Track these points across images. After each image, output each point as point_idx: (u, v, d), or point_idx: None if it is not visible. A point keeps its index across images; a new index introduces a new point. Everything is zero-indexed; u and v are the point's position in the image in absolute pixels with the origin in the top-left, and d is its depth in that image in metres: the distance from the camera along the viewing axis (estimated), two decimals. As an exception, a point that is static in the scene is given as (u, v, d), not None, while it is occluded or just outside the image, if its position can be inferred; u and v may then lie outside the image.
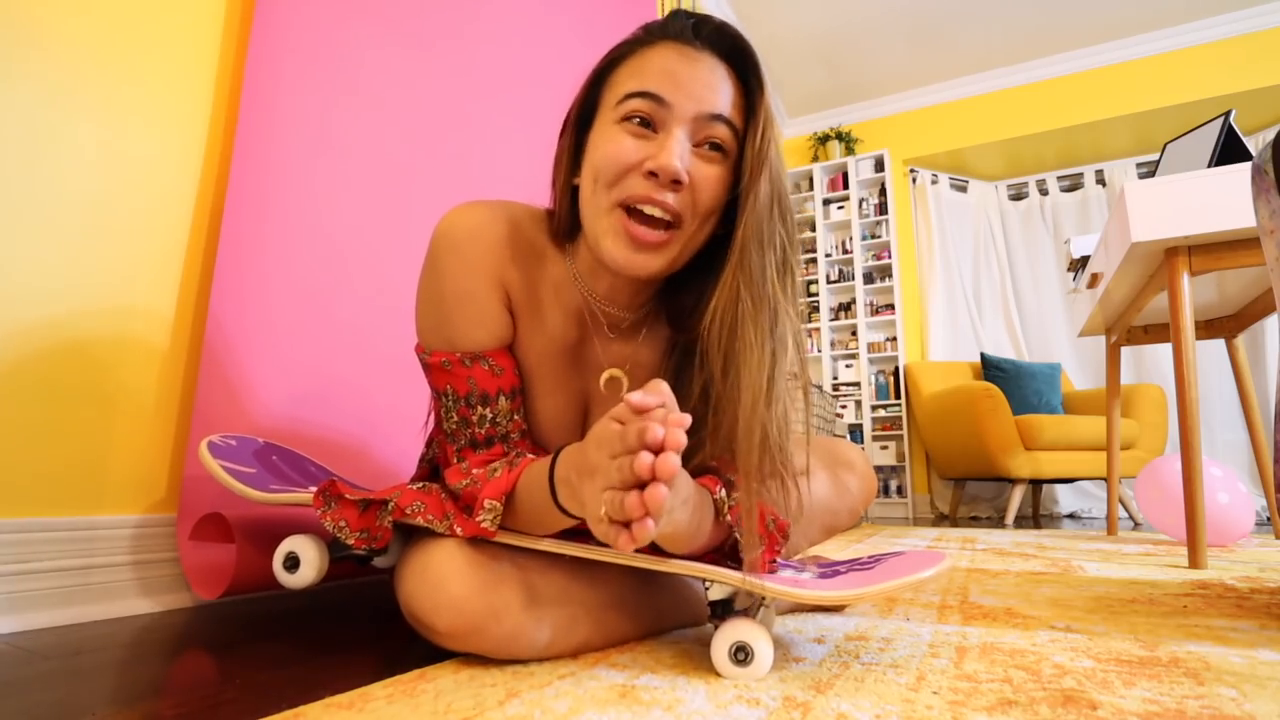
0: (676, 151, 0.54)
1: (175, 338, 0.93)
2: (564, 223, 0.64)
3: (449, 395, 0.62)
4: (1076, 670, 0.56)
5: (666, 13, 0.63)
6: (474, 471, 0.60)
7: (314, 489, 0.67)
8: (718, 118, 0.55)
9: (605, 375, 0.65)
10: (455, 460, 0.63)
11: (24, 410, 0.77)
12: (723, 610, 0.58)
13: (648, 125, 0.56)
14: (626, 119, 0.56)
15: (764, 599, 0.58)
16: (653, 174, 0.54)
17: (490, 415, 0.61)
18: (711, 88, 0.56)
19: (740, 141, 0.57)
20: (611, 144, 0.56)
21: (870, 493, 0.83)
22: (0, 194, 0.77)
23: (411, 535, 0.64)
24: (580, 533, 0.61)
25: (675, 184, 0.54)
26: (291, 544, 0.67)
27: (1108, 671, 0.55)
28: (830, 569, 0.67)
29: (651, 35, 0.59)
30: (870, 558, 0.68)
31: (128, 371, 0.88)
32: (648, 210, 0.55)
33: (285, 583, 0.66)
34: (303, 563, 0.66)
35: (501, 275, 0.62)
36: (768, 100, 0.57)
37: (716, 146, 0.56)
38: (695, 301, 0.61)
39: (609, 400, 0.66)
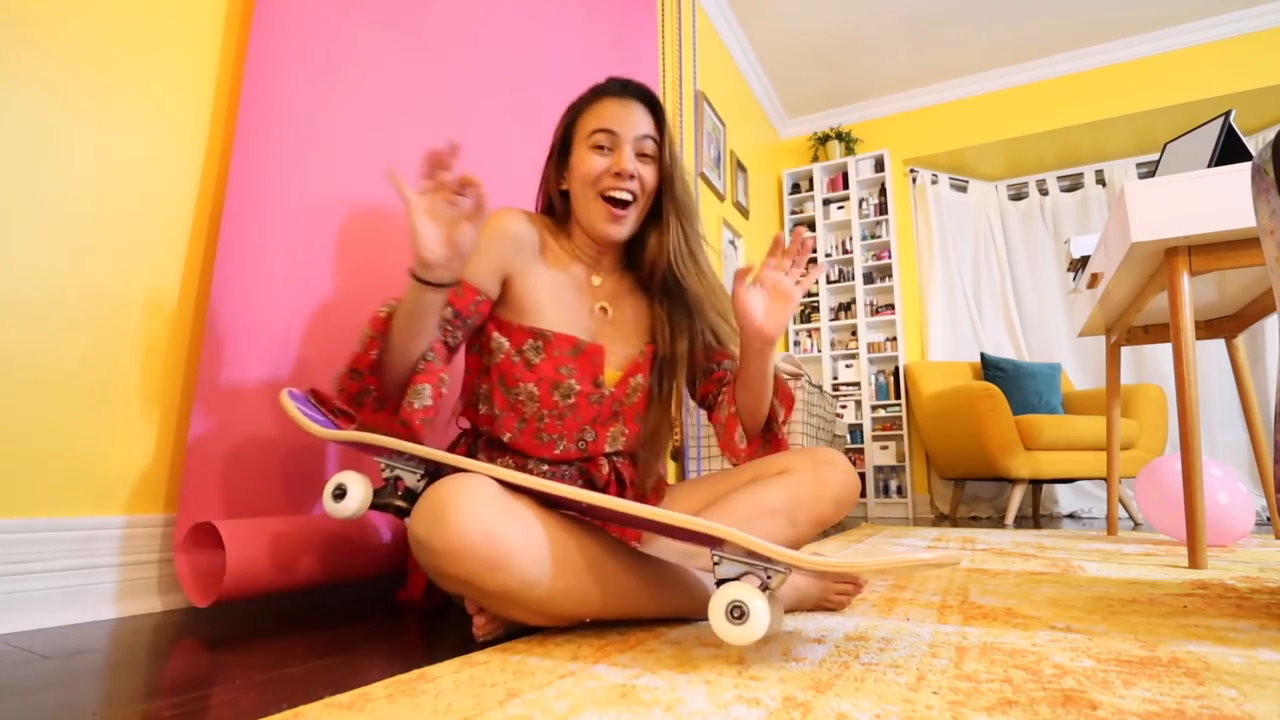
0: (628, 158, 0.92)
1: (175, 338, 0.93)
2: (561, 213, 1.01)
3: None
4: (1076, 670, 0.56)
5: (607, 78, 0.99)
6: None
7: (371, 431, 0.79)
8: (646, 136, 0.94)
9: (597, 305, 0.99)
10: None
11: (24, 410, 0.77)
12: None
13: (605, 148, 0.93)
14: (595, 147, 0.93)
15: (769, 579, 0.59)
16: (618, 174, 0.92)
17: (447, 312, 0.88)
18: (640, 120, 0.94)
19: (660, 148, 0.96)
20: (589, 162, 0.93)
21: (851, 487, 0.90)
22: None
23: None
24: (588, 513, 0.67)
25: (631, 178, 0.92)
26: (341, 477, 0.72)
27: (1108, 671, 0.55)
28: None
29: (601, 93, 0.96)
30: None
31: (127, 372, 0.88)
32: (618, 195, 0.92)
33: (331, 511, 0.71)
34: (349, 494, 0.71)
35: (507, 251, 0.92)
36: (669, 123, 0.98)
37: (648, 156, 0.95)
38: (641, 248, 1.00)
39: (602, 321, 0.99)
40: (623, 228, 0.94)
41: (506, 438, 0.92)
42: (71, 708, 0.47)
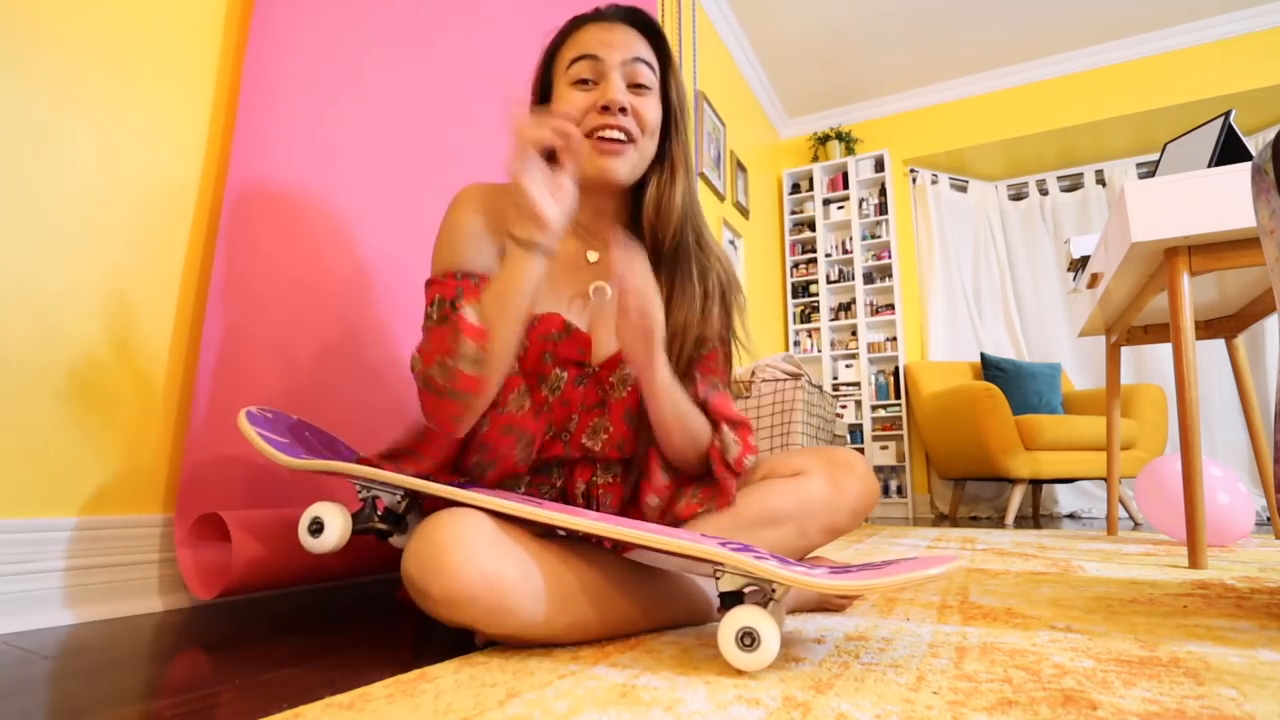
0: (616, 88, 0.75)
1: (174, 337, 0.93)
2: None
3: (436, 302, 0.73)
4: (1076, 670, 0.56)
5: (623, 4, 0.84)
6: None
7: (341, 460, 0.74)
8: (638, 59, 0.77)
9: (593, 286, 0.82)
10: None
11: (24, 410, 0.77)
12: (732, 602, 0.58)
13: (588, 80, 0.76)
14: (576, 82, 0.77)
15: (774, 592, 0.58)
16: (605, 108, 0.74)
17: None
18: (628, 42, 0.77)
19: (662, 78, 0.80)
20: (570, 99, 0.76)
21: (870, 495, 0.83)
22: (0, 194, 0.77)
23: (427, 514, 0.66)
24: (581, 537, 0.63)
25: (622, 111, 0.75)
26: (316, 509, 0.69)
27: (1108, 671, 0.55)
28: (841, 569, 0.68)
29: (579, 22, 0.80)
30: (883, 562, 0.68)
31: (127, 372, 0.88)
32: (608, 135, 0.75)
33: (309, 546, 0.68)
34: (327, 527, 0.68)
35: (493, 223, 0.77)
36: (670, 46, 0.81)
37: (644, 87, 0.78)
38: (644, 206, 0.81)
39: (598, 302, 0.82)
40: (620, 163, 0.76)
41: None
42: (71, 708, 0.47)
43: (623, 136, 0.75)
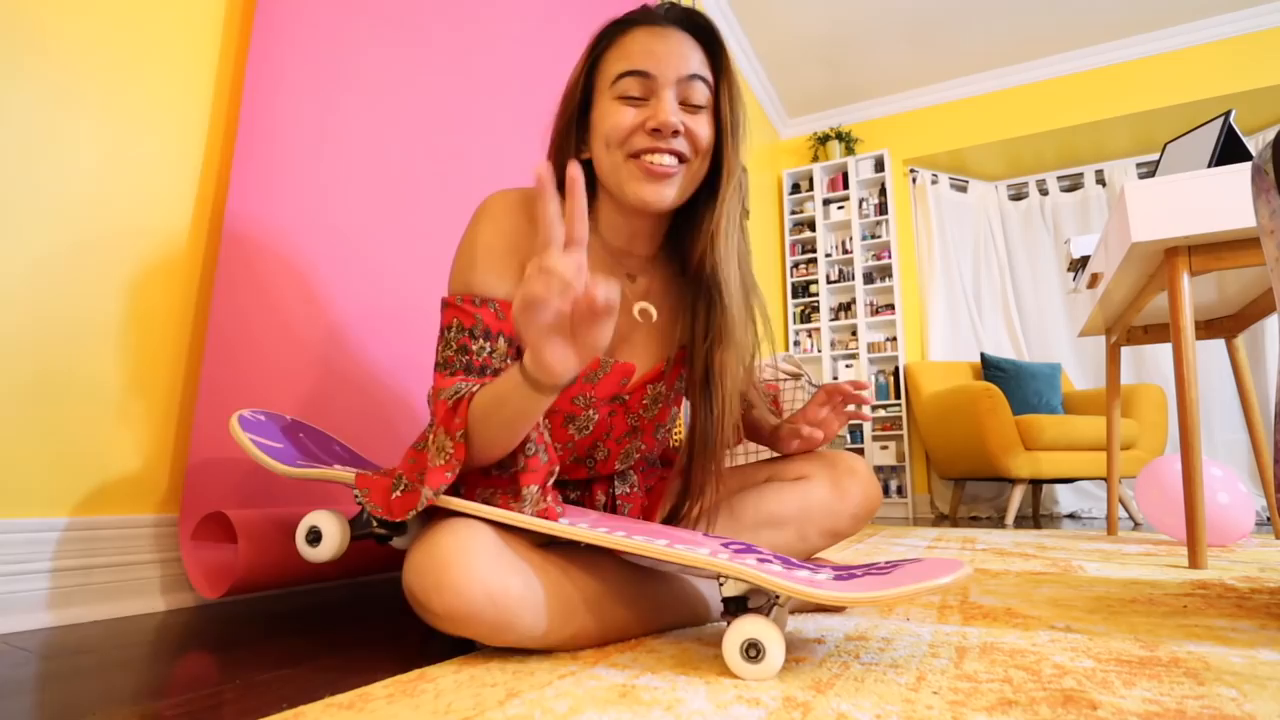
0: (670, 109, 0.69)
1: (177, 337, 0.93)
2: None
3: (454, 328, 0.69)
4: (1076, 670, 0.56)
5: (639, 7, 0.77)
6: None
7: (338, 467, 0.72)
8: (694, 77, 0.71)
9: (637, 307, 0.78)
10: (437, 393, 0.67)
11: (24, 410, 0.77)
12: (735, 607, 0.58)
13: (637, 98, 0.71)
14: (623, 96, 0.71)
15: (778, 597, 0.58)
16: (656, 130, 0.69)
17: (489, 349, 0.69)
18: (683, 56, 0.71)
19: (715, 92, 0.73)
20: (615, 116, 0.70)
21: (872, 500, 0.84)
22: (0, 195, 0.77)
23: (430, 518, 0.66)
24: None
25: (675, 134, 0.70)
26: (314, 518, 0.68)
27: (1108, 671, 0.55)
28: (845, 572, 0.67)
29: (626, 25, 0.73)
30: (887, 563, 0.68)
31: (129, 371, 0.88)
32: (656, 160, 0.70)
33: (307, 556, 0.67)
34: (324, 536, 0.67)
35: (520, 240, 0.73)
36: (731, 58, 0.74)
37: (697, 106, 0.72)
38: (692, 229, 0.77)
39: (638, 328, 0.78)
40: (668, 191, 0.71)
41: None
42: (71, 708, 0.47)
43: (674, 162, 0.70)
